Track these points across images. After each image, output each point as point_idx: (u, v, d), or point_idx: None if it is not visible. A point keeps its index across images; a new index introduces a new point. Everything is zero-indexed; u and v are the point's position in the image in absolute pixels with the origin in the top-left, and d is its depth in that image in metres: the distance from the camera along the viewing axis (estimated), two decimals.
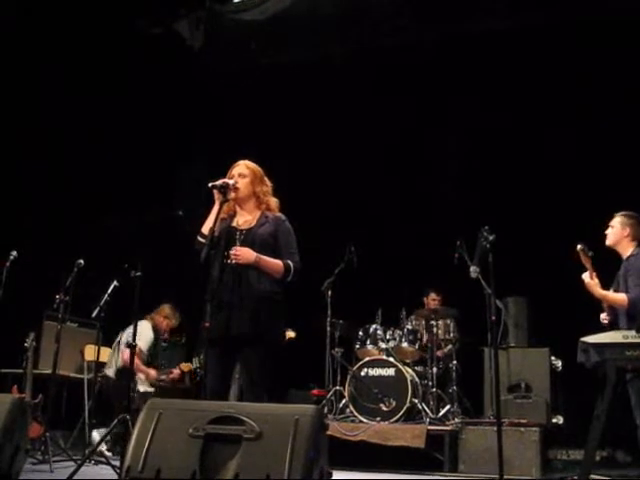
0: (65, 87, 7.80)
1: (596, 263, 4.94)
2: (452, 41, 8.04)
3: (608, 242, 5.11)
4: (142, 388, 6.63)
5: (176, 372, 7.07)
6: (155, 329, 6.86)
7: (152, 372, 6.79)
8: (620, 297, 4.84)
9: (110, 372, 6.59)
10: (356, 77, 8.26)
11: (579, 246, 4.83)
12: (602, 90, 7.54)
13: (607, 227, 5.13)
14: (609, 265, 5.13)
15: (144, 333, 6.56)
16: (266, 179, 4.11)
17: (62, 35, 7.65)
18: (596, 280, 4.92)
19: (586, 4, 7.52)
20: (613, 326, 4.90)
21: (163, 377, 6.93)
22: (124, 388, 5.90)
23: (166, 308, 6.97)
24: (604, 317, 5.06)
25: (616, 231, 5.09)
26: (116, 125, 8.22)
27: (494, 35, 7.85)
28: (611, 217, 5.19)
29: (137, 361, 6.33)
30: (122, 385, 6.19)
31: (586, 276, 4.91)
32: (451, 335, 7.50)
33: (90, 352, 6.77)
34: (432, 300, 7.68)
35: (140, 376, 6.65)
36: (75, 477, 4.20)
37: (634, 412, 4.84)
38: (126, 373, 6.49)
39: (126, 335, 6.54)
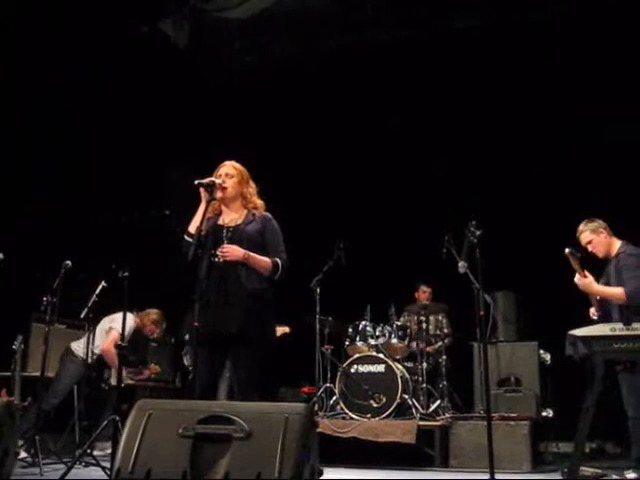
0: (50, 85, 7.74)
1: (585, 263, 4.99)
2: (441, 37, 8.03)
3: (601, 255, 5.10)
4: (113, 381, 6.49)
5: (146, 373, 7.05)
6: (138, 329, 6.75)
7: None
8: (618, 291, 4.85)
9: (80, 352, 6.37)
10: (342, 74, 8.26)
11: (567, 250, 4.82)
12: (593, 87, 7.58)
13: (583, 248, 5.09)
14: (597, 264, 5.18)
15: (127, 324, 6.40)
16: (251, 181, 4.11)
17: (47, 33, 7.59)
18: (590, 277, 4.92)
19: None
20: (603, 321, 4.92)
21: (130, 376, 6.86)
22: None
23: (154, 314, 6.81)
24: (593, 312, 5.08)
25: (597, 241, 5.08)
26: (103, 124, 8.17)
27: (483, 31, 7.86)
28: (594, 214, 5.22)
29: (113, 349, 6.20)
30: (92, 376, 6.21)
31: (577, 278, 4.92)
32: (444, 330, 7.52)
33: None
34: (423, 292, 7.71)
35: (114, 370, 6.43)
36: (65, 479, 4.19)
37: (624, 403, 4.88)
38: (103, 363, 6.44)
39: (107, 321, 6.48)
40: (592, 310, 5.10)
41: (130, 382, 6.84)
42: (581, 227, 5.14)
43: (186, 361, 6.99)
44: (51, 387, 6.34)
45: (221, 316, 3.75)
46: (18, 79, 7.49)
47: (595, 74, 7.51)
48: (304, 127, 8.45)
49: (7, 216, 7.25)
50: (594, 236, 5.08)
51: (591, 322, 4.87)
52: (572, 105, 7.70)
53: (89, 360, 6.20)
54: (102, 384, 6.60)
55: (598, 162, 7.52)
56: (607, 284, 5.04)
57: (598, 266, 5.13)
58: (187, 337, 7.03)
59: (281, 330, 6.47)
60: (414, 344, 7.11)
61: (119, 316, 6.08)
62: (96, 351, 6.35)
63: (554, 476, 5.27)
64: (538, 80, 7.86)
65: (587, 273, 4.91)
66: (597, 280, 5.04)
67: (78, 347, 6.43)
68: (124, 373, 6.48)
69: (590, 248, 5.09)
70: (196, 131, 8.98)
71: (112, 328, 6.38)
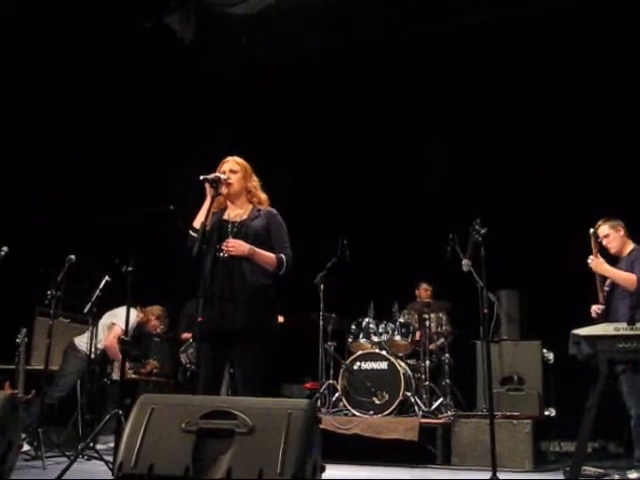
0: (50, 85, 7.74)
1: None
2: (442, 36, 8.03)
3: (614, 250, 5.21)
4: (115, 376, 6.59)
5: (148, 367, 7.10)
6: (141, 324, 6.80)
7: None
8: (630, 275, 4.95)
9: (83, 347, 6.40)
10: (347, 70, 8.25)
11: (591, 230, 5.07)
12: (595, 83, 7.55)
13: (599, 241, 5.16)
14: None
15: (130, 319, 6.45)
16: (254, 175, 4.11)
17: (47, 33, 7.58)
18: (601, 259, 5.01)
19: None
20: (606, 316, 4.95)
21: (132, 370, 6.90)
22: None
23: (157, 309, 6.90)
24: (596, 308, 5.09)
25: (614, 237, 5.19)
26: (107, 121, 8.18)
27: (482, 29, 7.84)
28: (598, 212, 5.27)
29: (116, 344, 6.27)
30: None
31: (591, 259, 5.01)
32: (443, 328, 7.52)
33: None
34: (424, 290, 7.70)
35: (117, 364, 6.56)
36: (68, 473, 4.20)
37: (627, 403, 4.88)
38: (106, 358, 6.50)
39: (109, 316, 6.51)
40: (594, 307, 5.11)
41: (133, 376, 6.86)
42: (601, 221, 5.25)
43: (183, 359, 7.02)
44: (54, 381, 6.35)
45: (225, 312, 3.75)
46: (18, 79, 7.49)
47: (596, 70, 7.50)
48: (308, 124, 8.44)
49: (11, 211, 7.27)
50: (612, 231, 5.20)
51: (595, 321, 4.87)
52: (576, 101, 7.69)
53: (92, 355, 6.21)
54: (104, 379, 6.63)
55: (603, 160, 7.50)
56: (614, 282, 5.06)
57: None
58: (184, 335, 7.13)
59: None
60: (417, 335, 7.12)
61: (121, 311, 6.10)
62: (99, 346, 6.37)
63: (556, 475, 5.27)
64: (540, 77, 7.85)
65: (600, 256, 5.03)
66: (606, 278, 5.09)
67: (81, 342, 6.45)
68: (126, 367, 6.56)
69: (605, 242, 5.20)
70: (200, 127, 8.97)
71: (114, 324, 6.40)
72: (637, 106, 7.15)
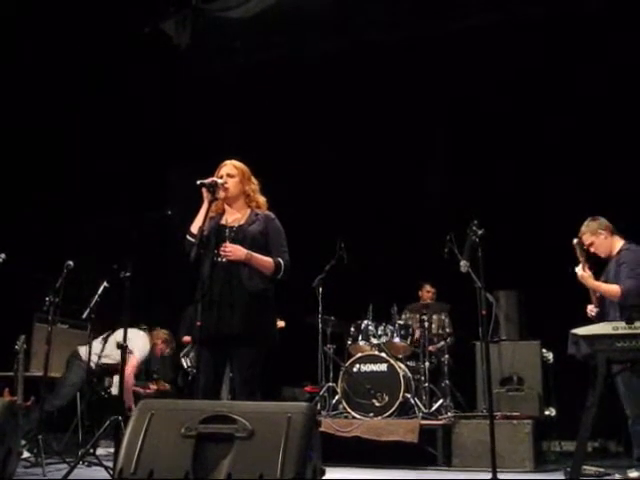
0: (50, 86, 7.73)
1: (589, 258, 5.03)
2: (441, 35, 8.04)
3: (604, 255, 5.15)
4: (114, 390, 6.55)
5: (153, 387, 7.08)
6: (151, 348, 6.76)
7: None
8: (614, 288, 4.90)
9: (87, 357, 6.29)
10: (342, 73, 8.26)
11: (575, 240, 4.97)
12: (590, 85, 7.57)
13: (585, 248, 5.11)
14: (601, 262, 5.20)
15: (142, 344, 6.40)
16: (253, 178, 4.11)
17: (47, 33, 7.57)
18: (589, 272, 4.98)
19: None
20: (601, 318, 4.94)
21: (138, 389, 6.86)
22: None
23: (163, 333, 6.80)
24: (591, 309, 5.09)
25: (599, 243, 5.12)
26: (106, 125, 8.18)
27: (479, 32, 7.86)
28: (596, 211, 5.25)
29: (130, 369, 6.22)
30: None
31: (579, 269, 4.98)
32: (446, 330, 7.52)
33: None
34: (427, 292, 7.70)
35: (116, 379, 6.49)
36: (68, 479, 4.19)
37: (623, 403, 4.88)
38: (105, 370, 6.49)
39: (121, 337, 6.45)
40: (590, 307, 5.11)
41: (134, 389, 6.81)
42: (583, 228, 5.17)
43: (185, 363, 6.99)
44: (55, 390, 6.32)
45: (223, 316, 3.75)
46: (18, 79, 7.48)
47: (596, 71, 7.51)
48: (306, 127, 8.46)
49: (9, 216, 7.25)
50: (594, 238, 5.12)
51: (592, 321, 4.88)
52: (576, 101, 7.69)
53: (92, 365, 6.17)
54: (102, 392, 6.59)
55: (603, 160, 7.51)
56: (606, 281, 5.06)
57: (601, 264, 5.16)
58: (185, 338, 7.12)
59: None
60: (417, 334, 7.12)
61: (135, 336, 6.09)
62: (105, 360, 6.30)
63: (557, 475, 5.27)
64: (540, 77, 7.86)
65: (587, 269, 4.99)
66: (598, 277, 5.07)
67: (85, 351, 6.40)
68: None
69: (592, 250, 5.14)
70: (198, 132, 8.97)
71: (131, 353, 6.09)
72: (638, 106, 7.16)
